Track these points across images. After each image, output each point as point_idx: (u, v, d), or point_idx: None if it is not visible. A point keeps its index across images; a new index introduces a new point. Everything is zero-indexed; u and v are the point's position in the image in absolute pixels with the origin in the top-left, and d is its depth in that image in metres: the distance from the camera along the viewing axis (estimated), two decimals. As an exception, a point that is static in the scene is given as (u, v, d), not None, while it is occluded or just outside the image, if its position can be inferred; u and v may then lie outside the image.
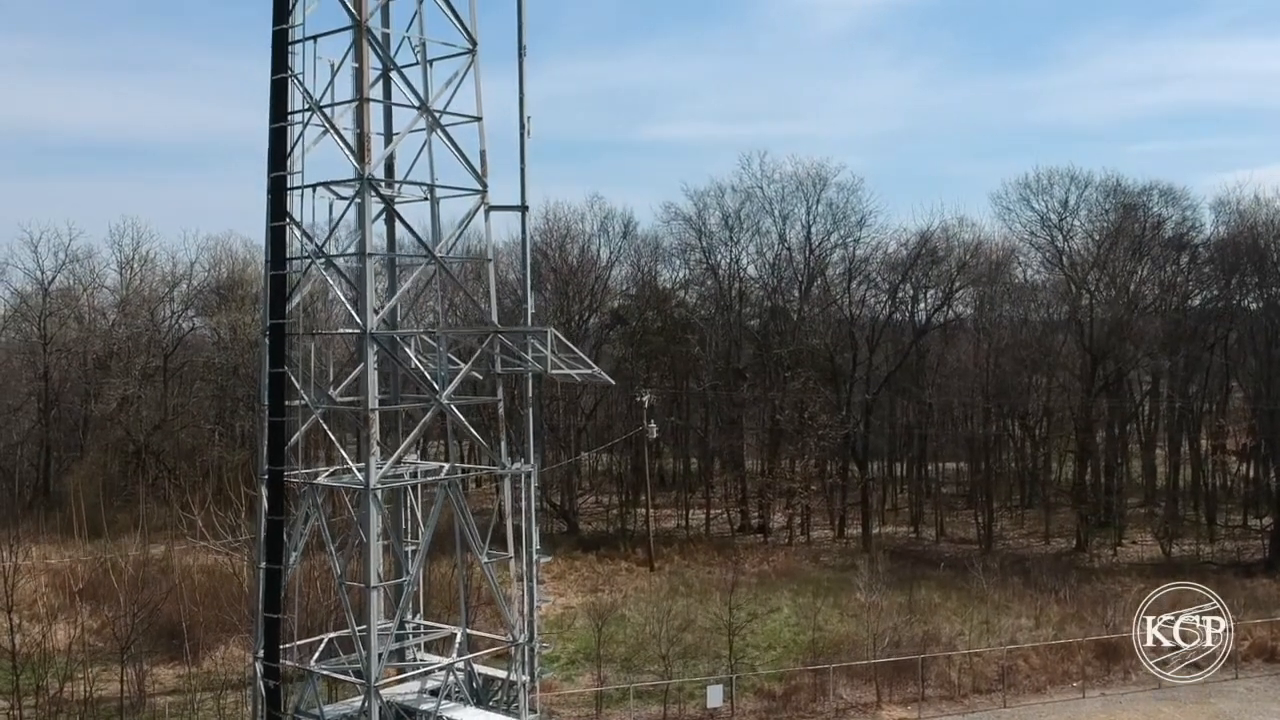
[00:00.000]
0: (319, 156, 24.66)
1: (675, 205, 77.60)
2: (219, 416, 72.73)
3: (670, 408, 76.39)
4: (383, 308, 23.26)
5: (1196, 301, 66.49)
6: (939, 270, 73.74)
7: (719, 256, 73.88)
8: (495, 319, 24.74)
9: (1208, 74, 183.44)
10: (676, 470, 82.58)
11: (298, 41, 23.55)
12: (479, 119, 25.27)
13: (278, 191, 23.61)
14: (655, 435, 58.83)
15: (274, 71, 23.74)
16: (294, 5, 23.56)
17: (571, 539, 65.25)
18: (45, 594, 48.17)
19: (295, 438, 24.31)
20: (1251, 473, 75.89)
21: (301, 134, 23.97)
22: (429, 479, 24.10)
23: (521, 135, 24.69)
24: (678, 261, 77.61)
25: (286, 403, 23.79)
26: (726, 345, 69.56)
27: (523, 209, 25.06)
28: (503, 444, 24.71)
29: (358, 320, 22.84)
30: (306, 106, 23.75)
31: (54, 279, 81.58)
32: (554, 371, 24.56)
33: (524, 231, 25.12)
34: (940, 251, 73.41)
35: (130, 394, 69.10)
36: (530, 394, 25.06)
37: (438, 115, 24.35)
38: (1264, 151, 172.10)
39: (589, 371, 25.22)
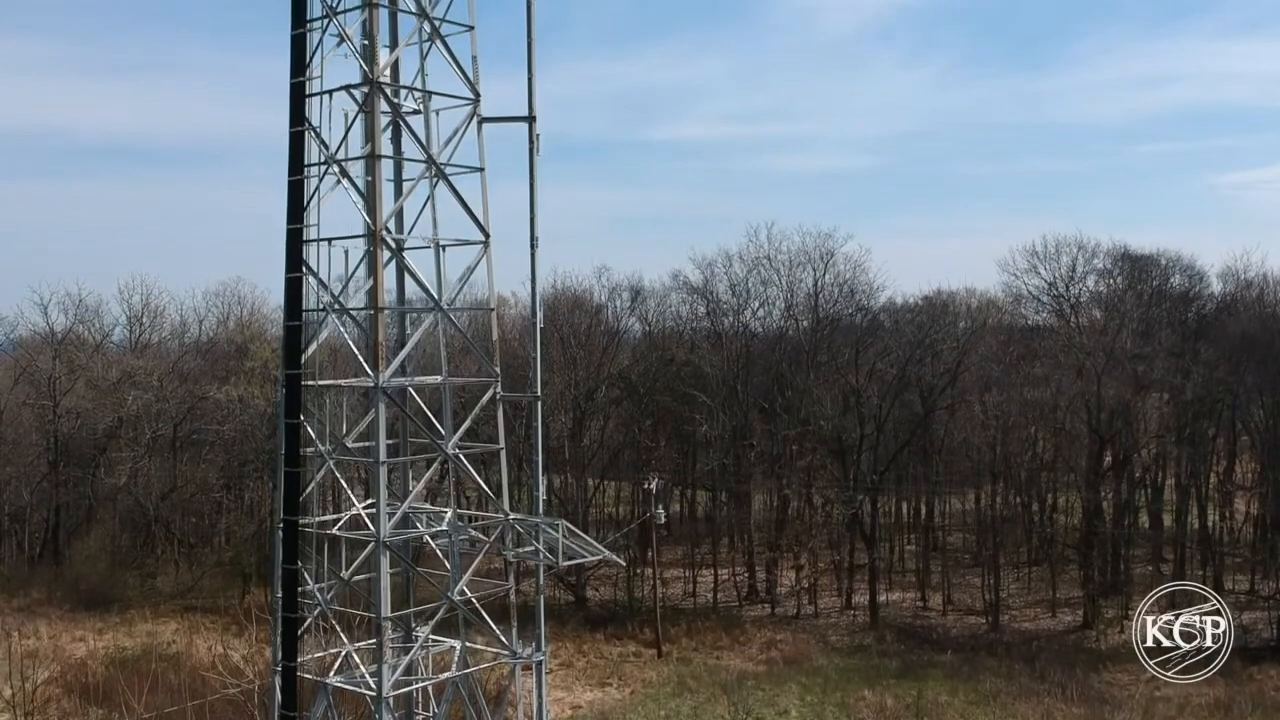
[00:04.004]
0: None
1: (683, 273, 78.38)
2: (228, 484, 73.08)
3: (678, 475, 76.86)
4: (394, 514, 23.48)
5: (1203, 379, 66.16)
6: (947, 333, 73.95)
7: (726, 324, 74.25)
8: (508, 506, 24.96)
9: (1218, 74, 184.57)
10: (683, 519, 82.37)
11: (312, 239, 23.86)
12: (493, 310, 25.60)
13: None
14: (664, 520, 58.96)
15: (289, 290, 24.03)
16: (308, 205, 23.87)
17: (579, 615, 65.28)
18: (58, 695, 48.17)
19: (306, 625, 24.67)
20: (1257, 513, 75.16)
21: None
22: (441, 677, 24.24)
23: (536, 331, 24.93)
24: (685, 329, 78.12)
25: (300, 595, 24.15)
26: (735, 424, 69.67)
27: (535, 397, 25.32)
28: (513, 631, 24.95)
29: (371, 529, 23.15)
30: (320, 307, 24.10)
31: (63, 338, 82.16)
32: (565, 562, 24.76)
33: (538, 418, 25.30)
34: (948, 318, 73.71)
35: (140, 466, 69.49)
36: (540, 582, 25.27)
37: (449, 307, 24.65)
38: (1269, 151, 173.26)
39: (599, 557, 25.44)
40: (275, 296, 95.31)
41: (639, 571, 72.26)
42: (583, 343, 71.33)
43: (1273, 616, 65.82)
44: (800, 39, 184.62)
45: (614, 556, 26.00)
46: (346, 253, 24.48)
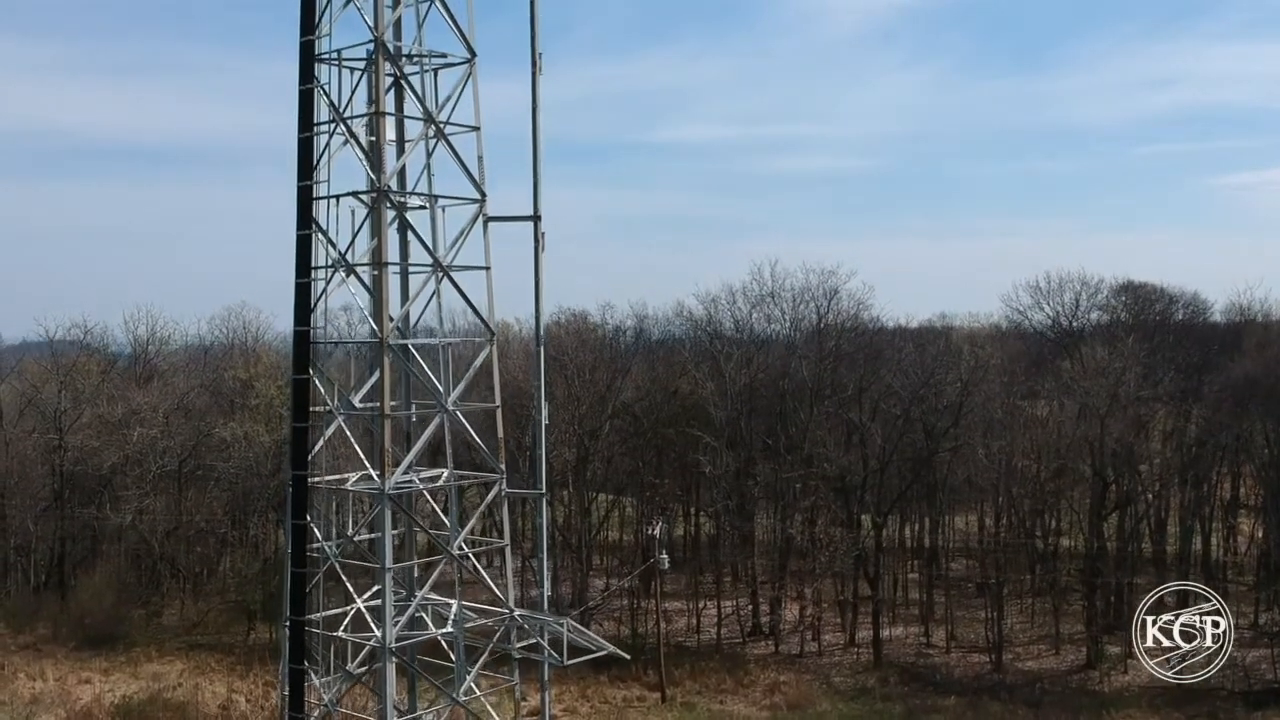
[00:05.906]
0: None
1: (687, 308, 78.66)
2: (233, 520, 73.29)
3: (681, 501, 76.97)
4: (400, 621, 23.64)
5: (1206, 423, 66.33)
6: (950, 368, 74.10)
7: (729, 361, 74.39)
8: (512, 602, 25.12)
9: (1219, 76, 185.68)
10: (686, 550, 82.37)
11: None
12: (497, 407, 25.72)
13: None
14: (667, 566, 59.09)
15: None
16: (314, 306, 24.05)
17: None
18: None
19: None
20: (1260, 548, 74.88)
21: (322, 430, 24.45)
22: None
23: (540, 427, 25.09)
24: (689, 365, 78.35)
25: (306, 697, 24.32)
26: (738, 464, 69.78)
27: (540, 494, 25.46)
28: (518, 725, 25.10)
29: (377, 633, 23.29)
30: (327, 408, 24.26)
31: (69, 370, 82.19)
32: (570, 661, 24.94)
33: (541, 515, 25.46)
34: (949, 356, 73.83)
35: (146, 504, 69.71)
36: (546, 679, 25.41)
37: (452, 409, 24.81)
38: (1270, 153, 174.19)
39: (603, 651, 25.61)
40: (279, 323, 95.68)
41: (641, 604, 72.31)
42: (586, 380, 71.48)
43: (1276, 654, 65.63)
44: (801, 41, 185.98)
45: (618, 651, 26.12)
46: (350, 353, 24.75)
